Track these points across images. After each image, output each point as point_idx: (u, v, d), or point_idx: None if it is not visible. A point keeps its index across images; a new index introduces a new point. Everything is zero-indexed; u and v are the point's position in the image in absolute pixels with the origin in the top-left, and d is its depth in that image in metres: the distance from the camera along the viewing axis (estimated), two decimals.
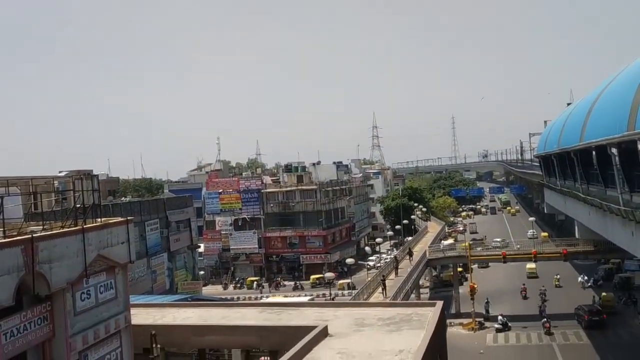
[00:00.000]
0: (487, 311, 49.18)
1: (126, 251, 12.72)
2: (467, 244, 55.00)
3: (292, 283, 70.56)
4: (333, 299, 48.68)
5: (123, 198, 72.61)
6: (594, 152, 32.06)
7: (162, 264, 50.60)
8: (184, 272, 55.31)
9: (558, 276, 58.76)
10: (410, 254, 53.26)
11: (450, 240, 72.21)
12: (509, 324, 45.61)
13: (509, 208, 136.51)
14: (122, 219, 12.99)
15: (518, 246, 57.21)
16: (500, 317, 46.02)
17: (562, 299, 51.98)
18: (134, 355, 13.19)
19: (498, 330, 45.07)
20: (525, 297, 54.83)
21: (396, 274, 45.42)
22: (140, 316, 15.20)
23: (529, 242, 57.81)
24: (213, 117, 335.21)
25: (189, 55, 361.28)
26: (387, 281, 40.28)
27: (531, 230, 79.34)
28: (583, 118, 35.11)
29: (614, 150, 26.16)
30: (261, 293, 66.22)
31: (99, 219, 12.29)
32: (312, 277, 67.26)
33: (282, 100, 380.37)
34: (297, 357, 11.13)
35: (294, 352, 11.16)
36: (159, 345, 13.54)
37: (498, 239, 71.64)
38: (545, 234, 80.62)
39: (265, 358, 15.72)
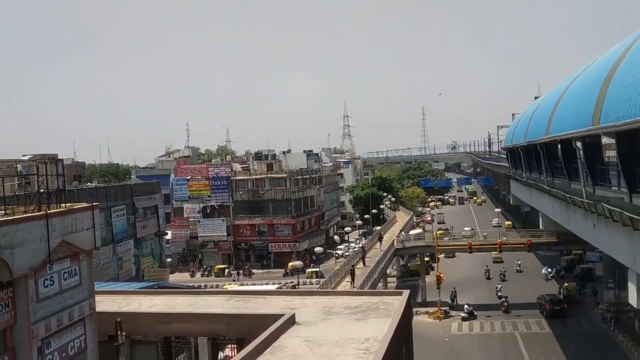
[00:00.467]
0: (453, 300, 50.03)
1: (91, 237, 12.52)
2: (435, 233, 55.82)
3: (262, 270, 70.92)
4: (294, 287, 48.45)
5: (89, 183, 71.59)
6: (559, 146, 32.64)
7: (129, 251, 49.94)
8: (151, 259, 54.71)
9: (519, 262, 62.06)
10: (380, 239, 53.93)
11: (418, 230, 73.13)
12: (475, 313, 46.53)
13: (476, 198, 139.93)
14: (87, 205, 12.77)
15: (485, 234, 58.65)
16: (466, 306, 46.93)
17: (525, 287, 53.10)
18: (99, 342, 13.04)
19: (464, 319, 45.92)
20: (488, 278, 58.55)
21: (364, 263, 45.24)
22: (105, 303, 15.01)
23: (494, 233, 58.99)
24: (183, 103, 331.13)
25: (159, 40, 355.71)
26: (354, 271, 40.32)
27: (496, 219, 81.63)
28: (550, 112, 35.66)
29: (579, 144, 26.66)
30: (234, 280, 66.01)
31: (64, 205, 12.06)
32: (290, 264, 67.16)
33: (254, 88, 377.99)
34: (263, 345, 11.14)
35: (260, 340, 11.16)
36: (124, 333, 13.41)
37: (467, 228, 74.78)
38: (509, 222, 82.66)
39: (232, 346, 15.71)
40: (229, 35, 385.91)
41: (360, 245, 54.20)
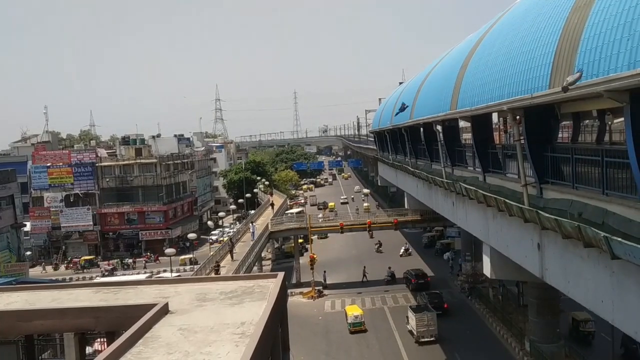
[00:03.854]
0: (325, 280, 51.56)
1: None
2: (309, 216, 56.99)
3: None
4: (151, 276, 45.07)
5: None
6: (421, 129, 34.52)
7: None
8: (7, 253, 50.62)
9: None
10: (272, 205, 55.00)
11: (299, 209, 74.73)
12: (396, 276, 50.90)
13: (343, 174, 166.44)
14: None
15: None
16: (388, 269, 51.99)
17: (390, 264, 55.88)
18: None
19: (387, 282, 50.70)
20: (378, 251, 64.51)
21: (232, 257, 42.53)
22: None
23: (364, 214, 61.49)
24: (39, 82, 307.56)
25: (8, 14, 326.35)
26: (222, 267, 38.44)
27: (357, 186, 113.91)
28: (413, 96, 37.48)
29: (439, 128, 28.36)
30: (146, 271, 61.68)
31: None
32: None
33: (119, 68, 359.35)
34: (135, 336, 10.78)
35: (132, 332, 10.78)
36: None
37: (343, 196, 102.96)
38: (367, 190, 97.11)
39: (102, 340, 15.07)
40: (89, 11, 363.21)
41: (228, 237, 50.83)
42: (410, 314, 37.88)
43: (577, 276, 14.93)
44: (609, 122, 23.17)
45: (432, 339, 36.26)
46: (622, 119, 16.67)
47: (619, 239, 11.29)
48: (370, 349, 36.56)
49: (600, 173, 13.21)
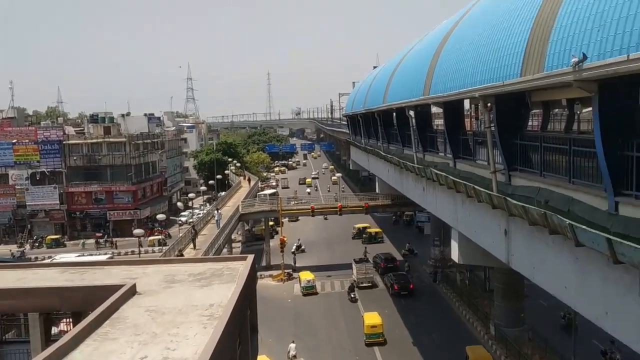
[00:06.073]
0: (294, 263, 51.65)
1: None
2: (280, 199, 56.86)
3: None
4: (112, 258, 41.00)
5: None
6: (394, 114, 34.60)
7: None
8: None
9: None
10: (249, 180, 60.21)
11: (271, 191, 74.68)
12: (415, 251, 53.70)
13: (313, 154, 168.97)
14: None
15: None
16: (407, 245, 55.22)
17: (359, 249, 56.33)
18: None
19: (404, 256, 52.92)
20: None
21: (194, 246, 38.28)
22: None
23: (334, 197, 61.62)
24: (5, 57, 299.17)
25: None
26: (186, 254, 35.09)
27: (325, 164, 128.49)
28: (386, 81, 37.45)
29: (411, 113, 28.43)
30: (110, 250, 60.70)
31: None
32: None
33: (88, 45, 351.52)
34: (102, 317, 10.67)
35: (99, 312, 10.68)
36: None
37: (314, 172, 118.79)
38: (332, 166, 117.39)
39: (68, 320, 14.88)
40: None
41: (191, 224, 45.72)
42: (353, 265, 46.57)
43: (542, 262, 15.23)
44: (578, 112, 23.54)
45: (369, 284, 45.07)
46: (590, 108, 16.94)
47: (584, 227, 11.53)
48: (339, 332, 36.87)
49: (567, 162, 13.43)
